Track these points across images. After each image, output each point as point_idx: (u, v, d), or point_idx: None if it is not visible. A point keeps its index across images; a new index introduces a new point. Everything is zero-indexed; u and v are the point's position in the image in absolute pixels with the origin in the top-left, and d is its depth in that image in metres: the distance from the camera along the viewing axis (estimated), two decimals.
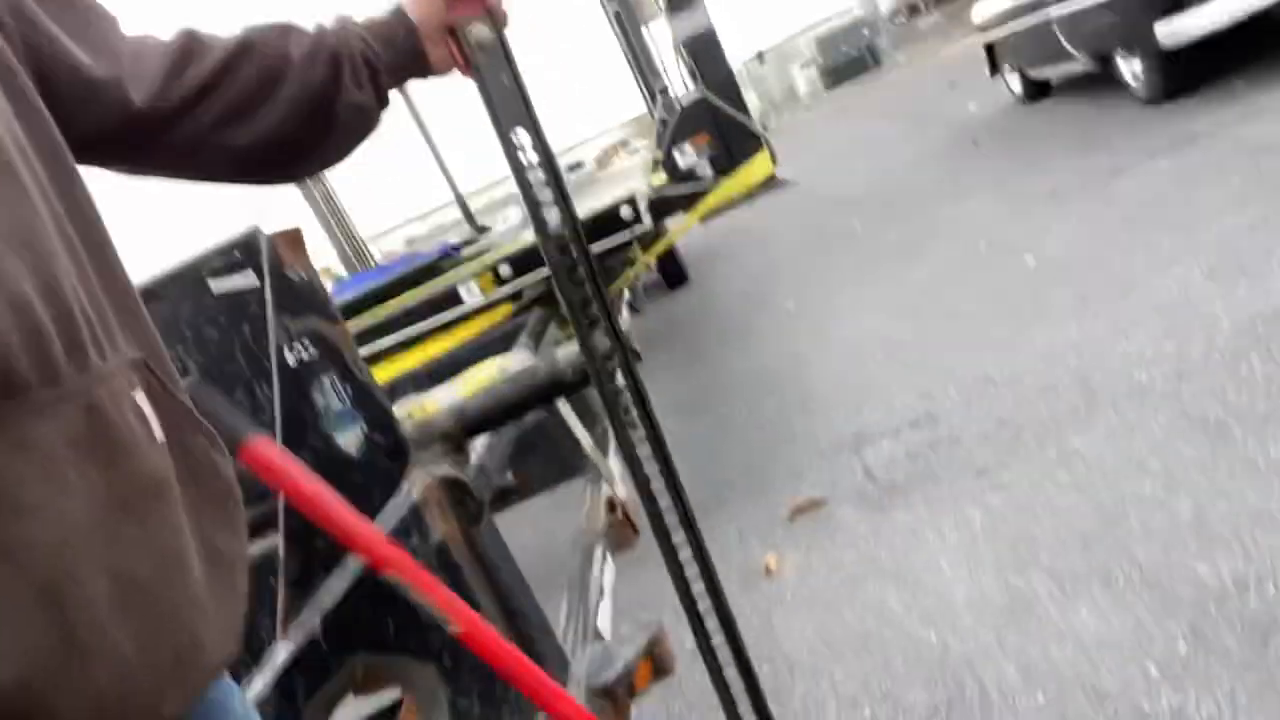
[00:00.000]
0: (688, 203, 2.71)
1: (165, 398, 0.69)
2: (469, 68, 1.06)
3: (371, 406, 1.41)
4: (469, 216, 8.20)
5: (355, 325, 2.91)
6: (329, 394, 1.37)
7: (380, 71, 0.98)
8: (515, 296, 2.82)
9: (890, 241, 5.50)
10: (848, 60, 24.16)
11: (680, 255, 7.31)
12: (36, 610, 0.55)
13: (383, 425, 1.42)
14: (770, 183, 2.69)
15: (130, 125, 0.84)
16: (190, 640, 0.64)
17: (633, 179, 3.44)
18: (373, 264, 5.30)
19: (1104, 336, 2.94)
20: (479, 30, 1.04)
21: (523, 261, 2.81)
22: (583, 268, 1.27)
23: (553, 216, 1.25)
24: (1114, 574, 1.84)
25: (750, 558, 2.57)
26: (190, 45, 0.89)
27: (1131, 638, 1.65)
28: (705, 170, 2.71)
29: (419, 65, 1.02)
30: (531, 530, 3.34)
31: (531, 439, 2.72)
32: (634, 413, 1.35)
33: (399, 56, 0.99)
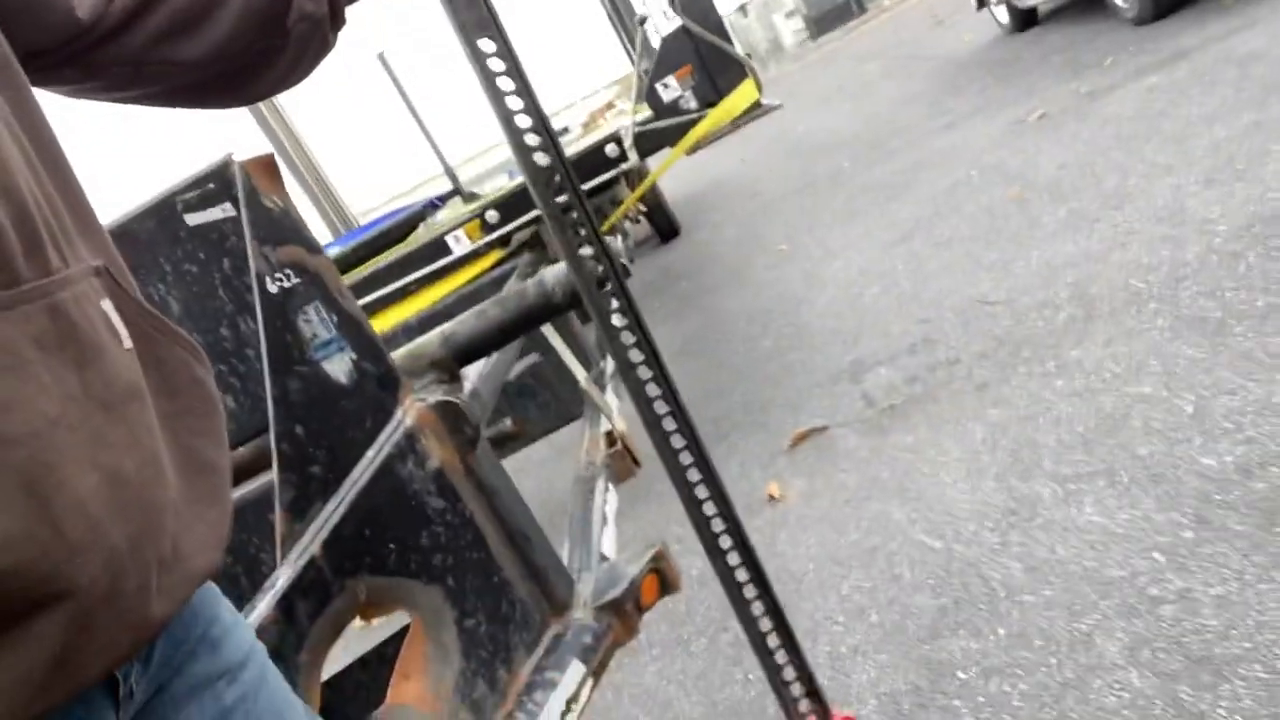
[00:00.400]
0: (674, 136, 2.67)
1: (131, 306, 0.67)
2: None
3: (358, 334, 1.39)
4: (455, 182, 8.17)
5: (345, 281, 2.89)
6: (314, 322, 1.35)
7: None
8: (504, 242, 2.79)
9: (880, 178, 5.45)
10: (832, 7, 23.86)
11: (670, 208, 7.26)
12: (19, 500, 0.54)
13: (372, 353, 1.40)
14: (756, 109, 2.65)
15: (74, 41, 0.82)
16: (173, 544, 0.63)
17: (620, 121, 3.39)
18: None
19: (1100, 250, 2.92)
20: None
21: (510, 207, 2.77)
22: (559, 175, 1.25)
23: (524, 122, 1.23)
24: (1117, 472, 1.83)
25: (753, 487, 2.57)
26: None
27: (1137, 530, 1.64)
28: (690, 103, 2.66)
29: None
30: (532, 480, 3.35)
31: (528, 384, 2.71)
32: (626, 321, 1.34)
33: None
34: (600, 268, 1.31)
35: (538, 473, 3.42)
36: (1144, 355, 2.20)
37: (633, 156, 2.59)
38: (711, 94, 2.64)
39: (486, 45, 1.18)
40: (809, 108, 10.47)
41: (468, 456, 1.45)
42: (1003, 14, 7.70)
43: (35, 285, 0.58)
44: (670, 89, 2.66)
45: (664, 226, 7.19)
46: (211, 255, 1.36)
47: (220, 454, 0.72)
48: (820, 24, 23.84)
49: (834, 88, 11.67)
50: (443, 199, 3.49)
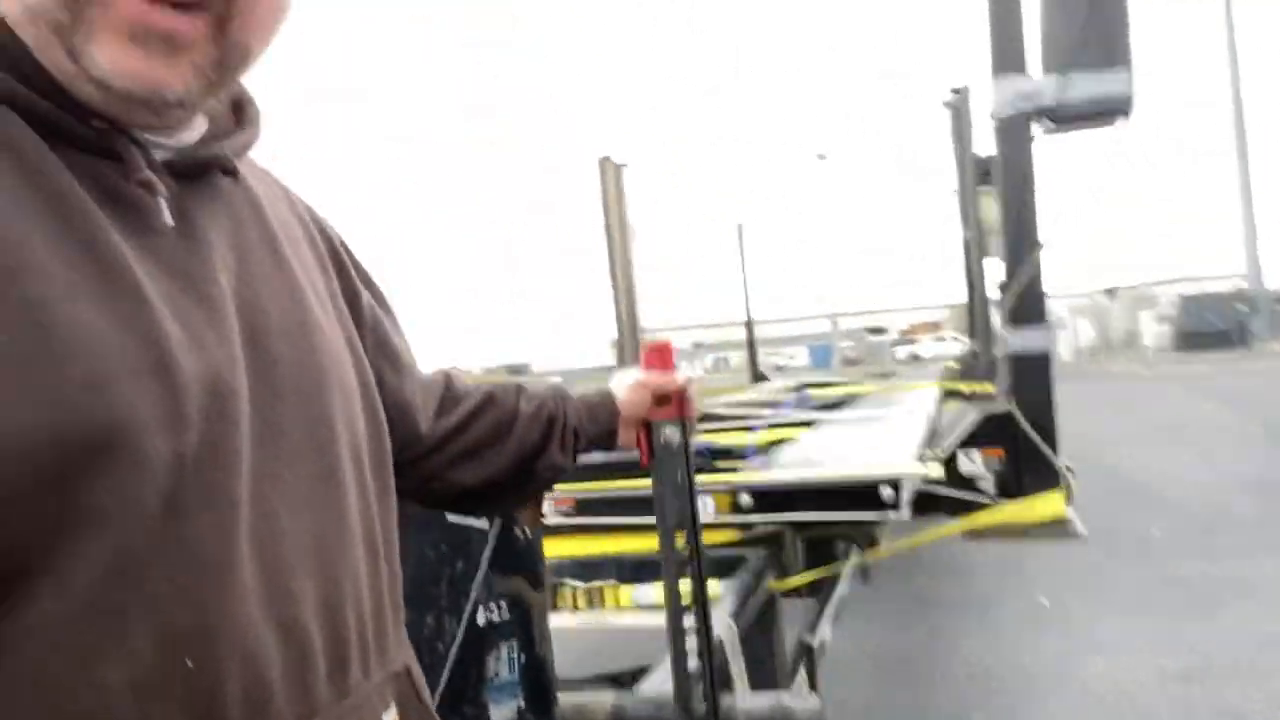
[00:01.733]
0: (955, 510, 2.50)
1: (415, 711, 0.70)
2: (651, 459, 1.16)
3: (538, 682, 1.39)
4: (754, 362, 8.59)
5: (591, 488, 2.96)
6: (503, 661, 1.37)
7: (581, 440, 1.08)
8: (745, 524, 2.74)
9: (1188, 575, 4.79)
10: (1210, 330, 21.79)
11: None
12: None
13: (540, 703, 1.39)
14: (1056, 527, 2.42)
15: (404, 451, 0.89)
16: None
17: (911, 435, 3.25)
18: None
19: None
20: (670, 431, 1.14)
21: (763, 498, 2.73)
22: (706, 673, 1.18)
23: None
24: None
25: None
26: (452, 387, 0.99)
27: None
28: (988, 485, 2.49)
29: (609, 442, 1.13)
30: None
31: None
32: None
33: (598, 431, 1.10)
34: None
35: None
36: None
37: (905, 513, 2.45)
38: (1013, 487, 2.46)
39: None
40: (1143, 433, 9.59)
41: None
42: None
43: (329, 713, 0.60)
44: (974, 463, 2.51)
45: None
46: (452, 552, 1.43)
47: None
48: (1190, 340, 21.84)
49: (1179, 422, 10.61)
50: (719, 454, 3.53)
